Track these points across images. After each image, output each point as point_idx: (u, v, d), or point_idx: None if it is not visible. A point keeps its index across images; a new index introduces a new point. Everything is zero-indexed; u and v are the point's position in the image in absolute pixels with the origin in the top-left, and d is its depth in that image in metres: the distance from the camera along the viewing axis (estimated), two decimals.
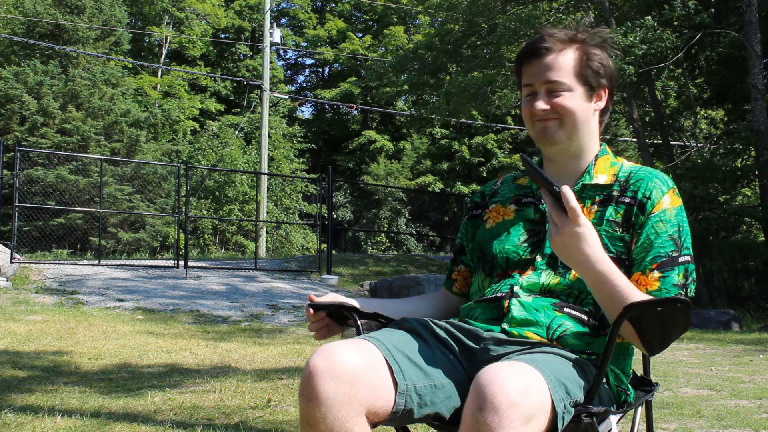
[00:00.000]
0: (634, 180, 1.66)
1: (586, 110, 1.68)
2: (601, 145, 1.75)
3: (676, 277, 1.58)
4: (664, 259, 1.58)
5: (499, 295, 1.65)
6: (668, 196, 1.62)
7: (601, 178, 1.68)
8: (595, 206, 1.66)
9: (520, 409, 1.26)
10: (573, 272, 1.60)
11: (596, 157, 1.71)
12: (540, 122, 1.67)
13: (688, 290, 1.60)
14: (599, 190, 1.67)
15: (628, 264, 1.60)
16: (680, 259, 1.59)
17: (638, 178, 1.66)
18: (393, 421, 1.48)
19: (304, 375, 1.42)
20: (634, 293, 1.52)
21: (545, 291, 1.62)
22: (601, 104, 1.71)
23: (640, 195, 1.63)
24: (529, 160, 1.51)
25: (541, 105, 1.65)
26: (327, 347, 1.45)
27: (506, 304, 1.62)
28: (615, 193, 1.66)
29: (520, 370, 1.32)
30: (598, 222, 1.63)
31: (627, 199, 1.64)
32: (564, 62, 1.66)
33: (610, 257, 1.55)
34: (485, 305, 1.67)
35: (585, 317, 1.60)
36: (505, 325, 1.60)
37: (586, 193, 1.68)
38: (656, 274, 1.57)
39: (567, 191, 1.46)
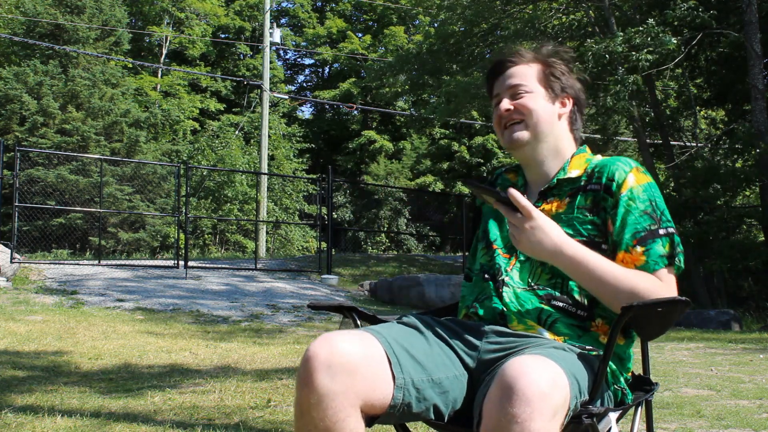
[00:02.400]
0: (598, 168, 1.72)
1: (548, 111, 1.76)
2: (581, 146, 1.82)
3: (661, 248, 1.60)
4: (643, 234, 1.61)
5: (493, 294, 1.70)
6: (632, 175, 1.66)
7: (575, 172, 1.74)
8: (567, 198, 1.72)
9: (550, 401, 1.28)
10: None
11: (572, 156, 1.78)
12: (507, 130, 1.76)
13: (678, 260, 1.62)
14: (572, 184, 1.73)
15: (607, 248, 1.63)
16: (661, 231, 1.62)
17: (602, 165, 1.72)
18: (392, 416, 1.48)
19: (303, 360, 1.43)
20: (612, 269, 1.56)
21: (531, 285, 1.67)
22: (565, 110, 1.79)
23: (604, 179, 1.68)
24: (472, 182, 1.59)
25: (505, 105, 1.76)
26: (329, 336, 1.46)
27: (500, 291, 1.68)
28: (583, 183, 1.71)
29: (546, 364, 1.33)
30: (569, 210, 1.69)
31: (594, 186, 1.69)
32: (527, 70, 1.79)
33: (582, 240, 1.61)
34: (488, 299, 1.71)
35: (573, 309, 1.63)
36: (503, 308, 1.64)
37: (561, 189, 1.74)
38: (639, 249, 1.60)
39: (513, 191, 1.54)
